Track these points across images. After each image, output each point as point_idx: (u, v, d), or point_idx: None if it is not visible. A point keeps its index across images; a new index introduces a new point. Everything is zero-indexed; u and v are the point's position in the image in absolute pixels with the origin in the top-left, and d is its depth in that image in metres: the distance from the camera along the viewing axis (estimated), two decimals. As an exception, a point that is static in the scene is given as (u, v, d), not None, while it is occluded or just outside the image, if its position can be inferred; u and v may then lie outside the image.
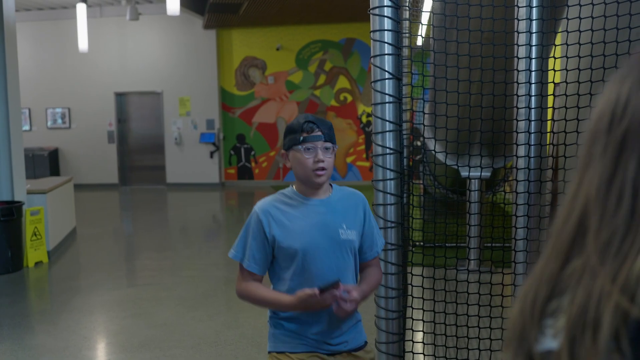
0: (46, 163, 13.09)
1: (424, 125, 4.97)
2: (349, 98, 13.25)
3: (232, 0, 10.35)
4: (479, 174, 4.17)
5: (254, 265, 2.07)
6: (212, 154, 13.48)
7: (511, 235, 3.48)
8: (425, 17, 5.20)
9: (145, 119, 13.73)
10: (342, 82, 13.22)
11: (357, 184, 13.14)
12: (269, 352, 2.17)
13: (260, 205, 2.11)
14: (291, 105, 13.40)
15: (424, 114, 4.91)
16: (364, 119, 13.26)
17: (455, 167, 4.19)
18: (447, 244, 3.30)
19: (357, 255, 2.15)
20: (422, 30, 5.57)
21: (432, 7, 3.36)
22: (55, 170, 13.40)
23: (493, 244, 4.39)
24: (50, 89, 13.54)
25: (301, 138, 2.02)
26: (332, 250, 2.06)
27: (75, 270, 6.80)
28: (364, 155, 13.36)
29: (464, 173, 4.39)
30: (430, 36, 3.39)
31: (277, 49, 13.14)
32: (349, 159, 13.43)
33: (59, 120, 13.68)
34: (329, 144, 2.05)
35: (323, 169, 2.02)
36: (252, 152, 13.61)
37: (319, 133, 2.03)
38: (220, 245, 8.22)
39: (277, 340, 2.14)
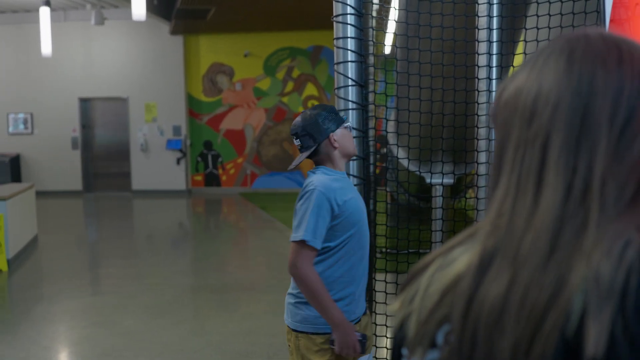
0: (7, 169, 12.79)
1: (386, 132, 5.01)
2: (317, 105, 13.29)
3: (200, 6, 10.31)
4: (441, 180, 4.24)
5: (318, 242, 2.16)
6: (178, 161, 13.36)
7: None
8: (391, 26, 5.26)
9: (110, 125, 13.54)
10: (310, 89, 13.26)
11: (324, 190, 13.14)
12: (294, 330, 2.25)
13: (321, 185, 2.17)
14: (259, 111, 13.38)
15: (388, 121, 4.97)
16: (331, 126, 13.31)
17: (418, 173, 4.24)
18: (410, 251, 3.33)
19: None
20: (389, 39, 5.63)
21: (397, 15, 3.40)
22: (16, 177, 13.10)
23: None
24: (12, 94, 13.26)
25: (345, 117, 2.30)
26: (364, 219, 2.31)
27: (36, 278, 6.66)
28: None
29: (427, 180, 4.45)
30: (395, 44, 3.43)
31: (245, 56, 13.11)
32: (317, 166, 13.46)
33: (21, 126, 13.39)
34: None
35: None
36: (220, 159, 13.53)
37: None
38: (187, 252, 8.15)
39: (303, 320, 2.24)
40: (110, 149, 13.60)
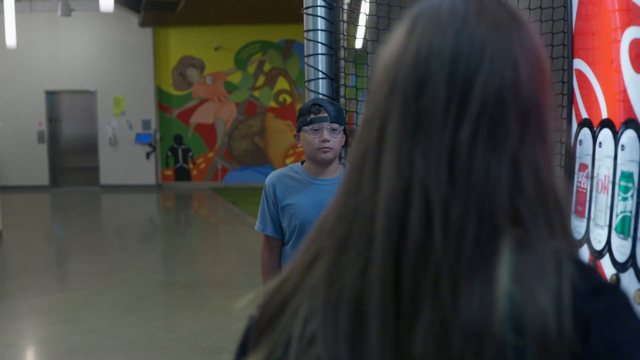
0: (-30, 164, 12.49)
1: (358, 126, 5.02)
2: (289, 99, 13.25)
3: (169, -1, 10.18)
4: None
5: (269, 229, 2.26)
6: (148, 155, 13.19)
7: None
8: (362, 19, 5.25)
9: (77, 119, 13.30)
10: (282, 84, 13.21)
11: (296, 185, 13.14)
12: None
13: (270, 176, 2.30)
14: (230, 105, 13.28)
15: (360, 115, 4.97)
16: (303, 121, 13.29)
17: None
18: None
19: None
20: (360, 32, 5.63)
21: (368, 8, 3.40)
22: (-20, 172, 12.80)
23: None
24: (-25, 87, 12.93)
25: (309, 119, 2.16)
26: None
27: (0, 275, 6.50)
28: (303, 157, 13.37)
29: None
30: (366, 37, 3.43)
31: (216, 49, 12.99)
32: (288, 161, 13.42)
33: (-15, 119, 13.07)
34: (335, 125, 2.16)
35: (328, 147, 2.15)
36: (190, 153, 13.40)
37: (325, 114, 2.15)
38: (157, 247, 8.06)
39: None
40: (77, 143, 13.36)
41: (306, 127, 2.17)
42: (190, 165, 13.46)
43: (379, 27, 3.50)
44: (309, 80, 2.39)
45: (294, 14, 12.40)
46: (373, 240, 0.54)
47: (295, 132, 2.27)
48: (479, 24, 0.55)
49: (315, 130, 2.15)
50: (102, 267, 6.66)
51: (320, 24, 2.36)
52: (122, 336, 4.39)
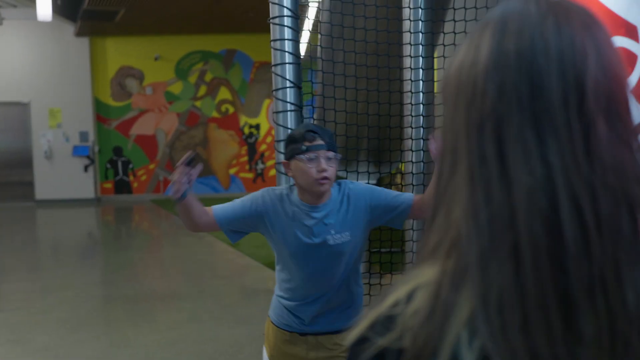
0: None
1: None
2: (231, 109, 13.17)
3: (108, 8, 9.95)
4: (367, 180, 4.33)
5: (227, 226, 2.13)
6: (86, 168, 12.81)
7: (398, 239, 3.64)
8: (307, 24, 5.30)
9: (9, 131, 12.76)
10: (224, 94, 13.12)
11: (241, 195, 13.02)
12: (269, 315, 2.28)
13: (269, 192, 2.14)
14: (171, 116, 13.08)
15: (314, 119, 5.01)
16: (246, 131, 13.24)
17: (345, 172, 4.31)
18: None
19: (357, 253, 2.17)
20: (304, 37, 5.67)
21: (321, 16, 3.45)
22: None
23: (381, 249, 4.55)
24: None
25: (304, 147, 2.01)
26: (318, 256, 2.09)
27: None
28: (247, 167, 13.32)
29: (352, 179, 4.52)
30: (320, 44, 3.47)
31: (156, 59, 12.79)
32: (232, 171, 13.33)
33: None
34: (331, 153, 2.04)
35: (326, 178, 2.01)
36: (130, 165, 13.09)
37: (322, 142, 2.02)
38: (99, 262, 7.82)
39: (274, 309, 2.24)
40: (10, 157, 12.81)
41: (301, 156, 2.01)
42: (131, 178, 13.15)
43: (335, 36, 3.56)
44: (276, 89, 2.41)
45: (235, 23, 12.38)
46: (519, 245, 0.54)
47: (283, 160, 2.12)
48: (571, 22, 0.57)
49: (311, 159, 2.00)
50: (42, 284, 6.40)
51: (287, 33, 2.39)
52: (73, 354, 4.25)
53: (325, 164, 2.00)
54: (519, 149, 0.55)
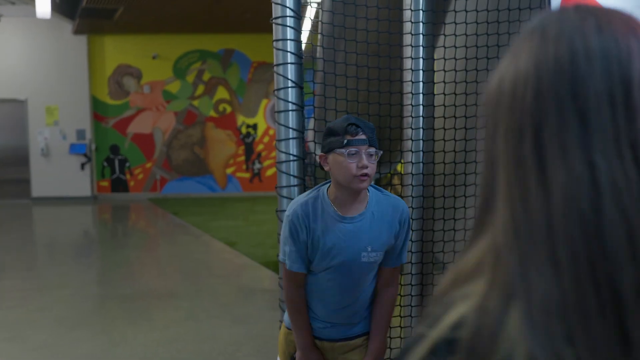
0: None
1: (314, 130, 5.08)
2: (228, 109, 13.18)
3: (106, 6, 9.94)
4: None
5: (296, 266, 2.04)
6: (83, 166, 12.80)
7: None
8: (307, 24, 5.31)
9: (6, 129, 12.73)
10: (221, 93, 13.12)
11: (237, 195, 13.07)
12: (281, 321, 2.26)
13: (296, 208, 2.02)
14: (168, 115, 13.07)
15: (311, 119, 5.01)
16: (243, 130, 13.24)
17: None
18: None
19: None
20: (304, 37, 5.67)
21: (322, 16, 3.47)
22: None
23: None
24: None
25: (345, 141, 1.91)
26: (350, 271, 2.03)
27: None
28: (244, 167, 13.33)
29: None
30: (321, 44, 3.49)
31: (154, 58, 12.78)
32: (229, 170, 13.33)
33: None
34: (372, 149, 1.94)
35: (366, 174, 1.91)
36: (127, 164, 13.08)
37: (364, 137, 1.92)
38: (97, 261, 7.81)
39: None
40: (6, 154, 12.78)
41: (341, 150, 1.91)
42: (128, 176, 13.14)
43: (335, 36, 3.58)
44: (278, 89, 2.42)
45: (233, 23, 12.37)
46: (557, 251, 0.54)
47: (319, 153, 2.01)
48: (613, 23, 0.58)
49: (352, 154, 1.90)
50: (40, 282, 6.41)
51: (290, 33, 2.40)
52: (72, 352, 4.26)
53: (367, 160, 1.91)
54: (557, 152, 0.55)
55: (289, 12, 2.39)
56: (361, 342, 2.18)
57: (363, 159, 1.90)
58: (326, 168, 2.00)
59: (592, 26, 0.57)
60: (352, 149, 1.91)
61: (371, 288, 2.14)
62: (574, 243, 0.53)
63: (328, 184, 2.05)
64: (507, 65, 0.61)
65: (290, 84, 2.40)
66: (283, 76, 2.40)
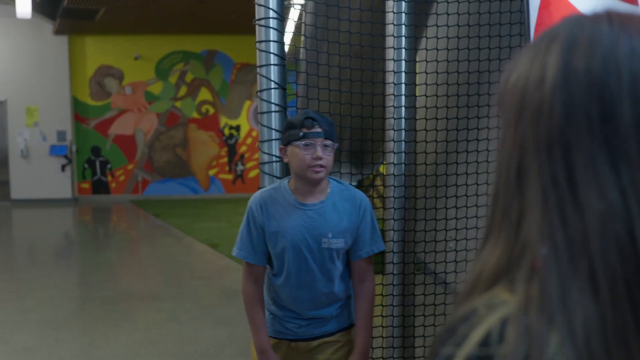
0: None
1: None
2: (211, 110, 13.14)
3: (88, 6, 9.87)
4: (349, 181, 4.37)
5: (254, 257, 2.11)
6: (63, 168, 12.68)
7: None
8: (290, 26, 5.34)
9: (-15, 130, 12.58)
10: (204, 94, 13.09)
11: (220, 197, 13.03)
12: None
13: (255, 198, 2.11)
14: (150, 116, 13.00)
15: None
16: (226, 132, 13.21)
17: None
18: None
19: (345, 257, 2.14)
20: (287, 39, 5.70)
21: (305, 18, 3.49)
22: None
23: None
24: None
25: (301, 134, 2.00)
26: (312, 256, 2.07)
27: None
28: (227, 168, 13.30)
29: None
30: (303, 46, 3.51)
31: (136, 59, 12.70)
32: (212, 172, 13.29)
33: None
34: (328, 142, 2.02)
35: (321, 166, 2.00)
36: (109, 165, 12.99)
37: (319, 130, 2.00)
38: (78, 263, 7.75)
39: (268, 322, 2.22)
40: (-15, 156, 12.63)
41: (297, 142, 2.00)
42: (109, 178, 13.04)
43: (318, 38, 3.60)
44: (261, 90, 2.43)
45: (216, 24, 12.33)
46: (596, 272, 0.54)
47: (281, 146, 2.11)
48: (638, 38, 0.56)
49: (307, 146, 1.99)
50: (21, 285, 6.34)
51: (272, 35, 2.42)
52: (55, 354, 4.22)
53: (322, 152, 1.99)
54: (590, 175, 0.54)
55: (272, 14, 2.40)
56: (337, 339, 2.20)
57: (318, 151, 1.99)
58: (285, 160, 2.09)
59: (624, 45, 0.55)
60: (308, 141, 1.99)
61: (342, 283, 2.15)
62: (612, 267, 0.53)
63: (289, 178, 2.14)
64: (532, 68, 0.59)
65: (273, 85, 2.42)
66: (266, 77, 2.42)
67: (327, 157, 2.01)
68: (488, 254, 0.61)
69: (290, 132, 2.04)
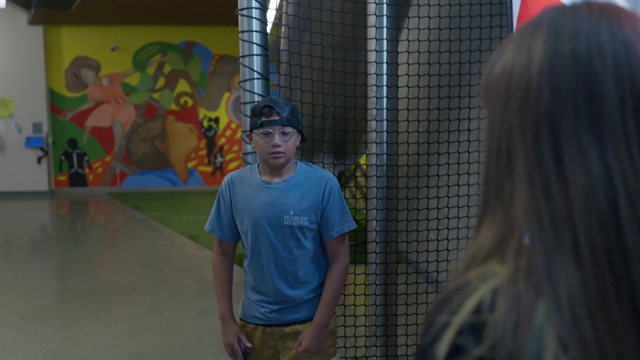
0: None
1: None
2: (190, 102, 13.04)
3: (63, -4, 9.72)
4: (333, 170, 4.39)
5: (217, 231, 2.21)
6: (39, 160, 12.50)
7: (362, 229, 3.70)
8: (271, 16, 5.31)
9: (-42, 122, 12.35)
10: (183, 86, 12.98)
11: (199, 189, 12.96)
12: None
13: (226, 177, 2.20)
14: (128, 108, 12.86)
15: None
16: (205, 124, 13.13)
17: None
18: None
19: (317, 239, 2.17)
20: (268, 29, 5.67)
21: (286, 8, 3.48)
22: None
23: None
24: None
25: (259, 122, 2.04)
26: (275, 233, 2.11)
27: None
28: (206, 160, 13.22)
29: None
30: (285, 36, 3.50)
31: (112, 49, 12.54)
32: (190, 164, 13.21)
33: None
34: (288, 129, 2.05)
35: (280, 152, 2.04)
36: (86, 158, 12.84)
37: (277, 118, 2.03)
38: (54, 256, 7.66)
39: (241, 306, 2.29)
40: (-42, 148, 12.40)
41: (256, 131, 2.05)
42: (86, 170, 12.89)
43: (300, 28, 3.59)
44: (244, 81, 2.43)
45: (195, 15, 12.21)
46: (579, 242, 0.57)
47: (247, 132, 2.17)
48: (623, 26, 0.59)
49: (266, 134, 2.03)
50: (-3, 278, 6.25)
51: (255, 25, 2.41)
52: (34, 348, 4.18)
53: (279, 139, 2.03)
54: (575, 151, 0.57)
55: (254, 4, 2.40)
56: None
57: (275, 139, 2.03)
58: (252, 145, 2.15)
59: (605, 28, 0.59)
60: (265, 130, 2.04)
61: (311, 265, 2.17)
62: (593, 238, 0.56)
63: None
64: (517, 55, 0.61)
65: (256, 75, 2.41)
66: (249, 67, 2.41)
67: (286, 144, 2.05)
68: (484, 235, 0.64)
69: (252, 120, 2.09)
